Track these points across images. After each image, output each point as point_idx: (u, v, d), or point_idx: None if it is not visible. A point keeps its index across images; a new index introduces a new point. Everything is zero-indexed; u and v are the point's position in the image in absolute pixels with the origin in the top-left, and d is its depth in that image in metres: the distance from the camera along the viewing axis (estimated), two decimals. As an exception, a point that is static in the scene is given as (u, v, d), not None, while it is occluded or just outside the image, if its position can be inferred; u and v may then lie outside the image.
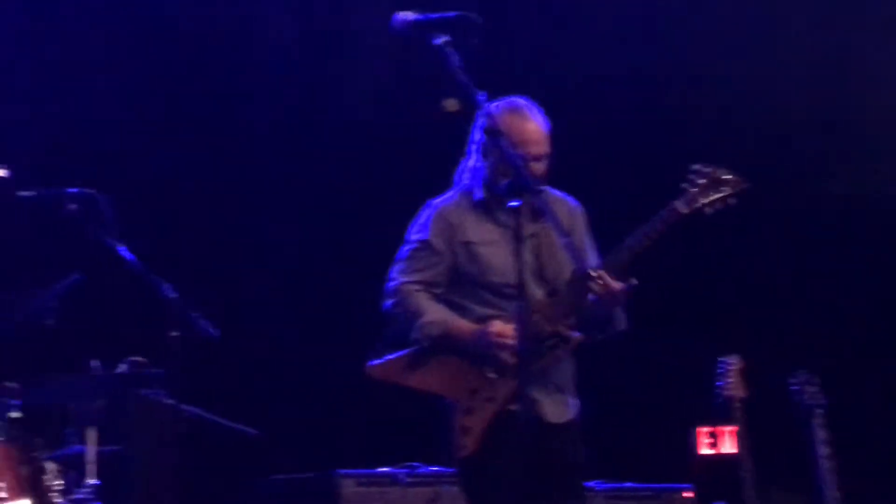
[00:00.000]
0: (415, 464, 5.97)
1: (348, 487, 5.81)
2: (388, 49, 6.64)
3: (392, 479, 5.89)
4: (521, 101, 4.56)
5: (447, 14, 3.89)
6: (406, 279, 4.56)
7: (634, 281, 4.38)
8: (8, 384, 5.32)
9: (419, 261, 4.56)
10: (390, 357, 4.56)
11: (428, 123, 4.89)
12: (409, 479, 5.90)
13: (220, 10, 7.43)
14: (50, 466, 5.25)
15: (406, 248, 4.63)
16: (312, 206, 7.47)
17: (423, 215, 4.64)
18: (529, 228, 4.42)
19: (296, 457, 6.52)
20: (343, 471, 5.85)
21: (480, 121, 3.94)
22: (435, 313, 4.48)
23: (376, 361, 4.60)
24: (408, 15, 3.94)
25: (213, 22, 7.40)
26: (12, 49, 6.99)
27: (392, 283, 4.59)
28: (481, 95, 3.89)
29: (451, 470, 5.74)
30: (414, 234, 4.63)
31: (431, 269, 4.54)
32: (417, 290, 4.52)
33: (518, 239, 3.85)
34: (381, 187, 7.35)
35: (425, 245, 4.57)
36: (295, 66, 7.56)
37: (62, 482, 5.28)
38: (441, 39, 3.84)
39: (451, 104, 4.02)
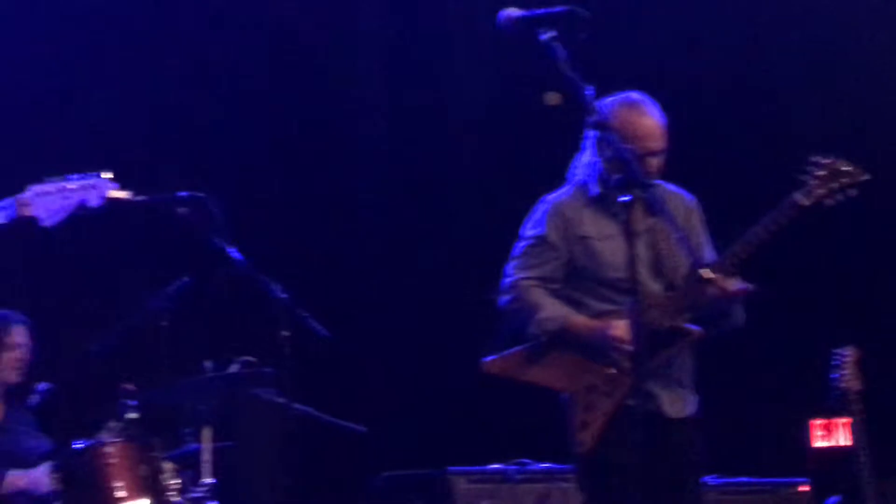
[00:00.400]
0: (525, 460, 5.96)
1: (459, 484, 5.82)
2: (491, 46, 6.66)
3: (503, 476, 5.88)
4: (637, 95, 4.53)
5: (554, 9, 3.85)
6: (523, 275, 4.54)
7: (752, 286, 4.34)
8: (125, 385, 5.42)
9: (535, 256, 4.55)
10: (507, 352, 4.56)
11: (539, 119, 4.91)
12: (519, 476, 5.88)
13: (322, 11, 7.48)
14: (167, 465, 5.32)
15: (522, 244, 4.61)
16: (422, 205, 7.48)
17: (539, 211, 4.62)
18: (645, 223, 4.41)
19: (406, 454, 6.54)
20: (454, 468, 5.86)
21: (594, 115, 3.90)
22: (553, 308, 4.46)
23: (492, 357, 4.59)
24: (513, 11, 3.91)
25: (316, 24, 7.45)
26: (127, 53, 7.10)
27: (508, 280, 4.58)
28: (589, 90, 3.85)
29: (562, 467, 5.76)
30: (529, 230, 4.61)
31: (548, 264, 4.53)
32: (534, 286, 4.51)
33: (629, 234, 3.81)
34: (492, 184, 7.34)
35: (541, 240, 4.55)
36: (399, 64, 7.58)
37: (179, 481, 5.34)
38: (548, 35, 3.81)
39: (552, 98, 3.99)
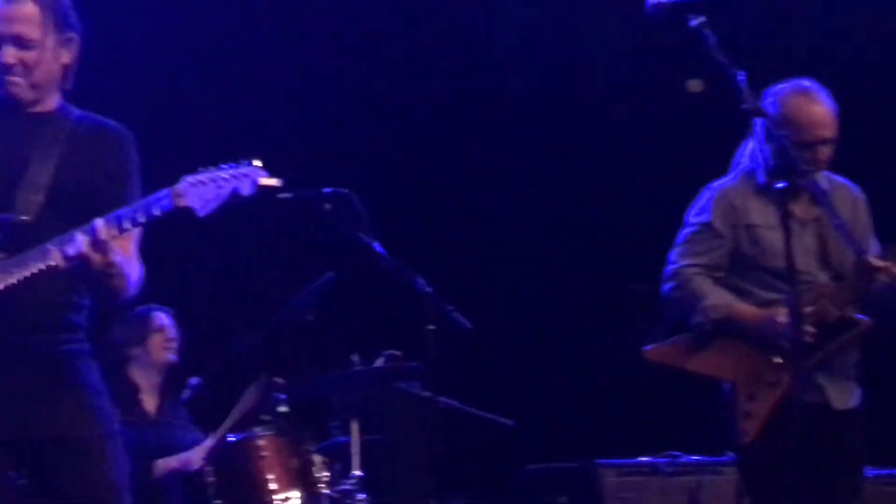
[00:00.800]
0: (675, 453, 5.88)
1: (609, 477, 5.76)
2: (636, 33, 6.56)
3: (653, 469, 5.81)
4: (807, 82, 4.47)
5: (703, -7, 3.80)
6: (686, 262, 4.50)
7: None
8: (275, 379, 5.49)
9: (700, 244, 4.50)
10: (669, 341, 4.53)
11: (685, 107, 4.83)
12: (670, 469, 5.81)
13: (459, 4, 7.48)
14: (317, 458, 5.37)
15: (686, 231, 4.57)
16: (569, 194, 7.43)
17: (704, 197, 4.58)
18: (813, 213, 4.36)
19: (554, 447, 6.51)
20: (603, 461, 5.81)
21: (748, 102, 3.84)
22: (717, 297, 4.42)
23: (654, 346, 4.56)
24: (662, -4, 3.86)
25: (455, 17, 7.44)
26: (271, 50, 7.19)
27: (672, 267, 4.54)
28: (741, 76, 3.79)
29: (713, 459, 5.69)
30: (694, 217, 4.57)
31: (713, 252, 4.48)
32: (698, 274, 4.46)
33: (785, 221, 3.75)
34: (639, 173, 7.26)
35: (706, 227, 4.51)
36: (539, 52, 7.53)
37: (328, 474, 5.39)
38: (697, 20, 3.76)
39: (695, 85, 3.93)
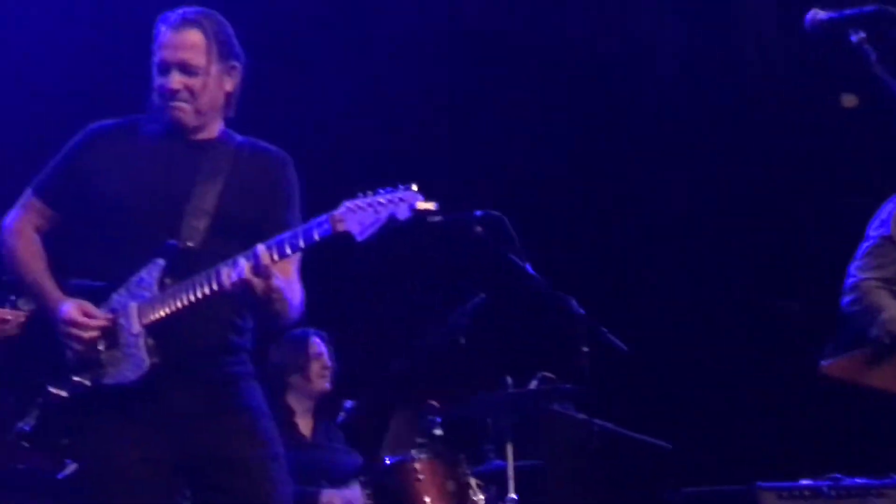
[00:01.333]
0: (837, 475, 5.73)
1: (769, 500, 5.64)
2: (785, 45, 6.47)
3: (815, 492, 5.67)
4: None
5: (863, 9, 3.72)
6: (866, 276, 4.47)
7: None
8: (430, 402, 5.52)
9: (879, 257, 4.47)
10: (847, 355, 4.46)
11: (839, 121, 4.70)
12: (832, 492, 5.65)
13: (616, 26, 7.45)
14: (473, 481, 5.38)
15: (866, 244, 4.54)
16: (724, 211, 7.33)
17: (885, 210, 4.54)
18: None
19: (712, 469, 6.41)
20: (763, 483, 5.69)
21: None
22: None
23: (831, 360, 4.49)
24: (820, 13, 3.79)
25: (611, 38, 7.40)
26: (426, 78, 7.25)
27: (851, 280, 4.51)
28: (905, 90, 3.69)
29: (878, 482, 5.52)
30: (874, 230, 4.53)
31: (892, 265, 4.44)
32: (877, 287, 4.43)
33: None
34: (791, 186, 7.14)
35: (886, 241, 4.47)
36: (695, 73, 7.45)
37: (484, 497, 5.39)
38: (858, 36, 3.68)
39: (849, 100, 3.85)
